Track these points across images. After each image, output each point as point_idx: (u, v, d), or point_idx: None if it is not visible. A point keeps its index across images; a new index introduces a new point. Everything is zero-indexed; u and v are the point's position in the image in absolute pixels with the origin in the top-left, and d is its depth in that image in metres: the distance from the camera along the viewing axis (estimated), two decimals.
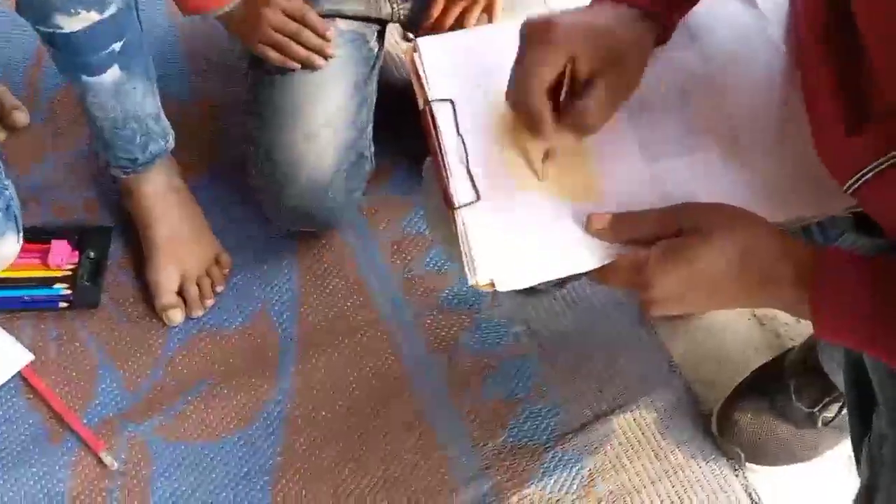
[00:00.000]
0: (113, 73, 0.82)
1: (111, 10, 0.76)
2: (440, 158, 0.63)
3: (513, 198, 0.61)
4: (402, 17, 1.01)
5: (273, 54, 0.92)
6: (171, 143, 0.97)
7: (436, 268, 1.07)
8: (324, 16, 0.95)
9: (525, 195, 0.62)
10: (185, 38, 1.26)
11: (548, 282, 0.63)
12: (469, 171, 0.62)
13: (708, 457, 0.95)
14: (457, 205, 0.61)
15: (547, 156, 0.61)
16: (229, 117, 1.17)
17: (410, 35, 1.12)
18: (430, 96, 0.64)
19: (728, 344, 1.03)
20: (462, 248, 0.60)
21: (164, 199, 0.99)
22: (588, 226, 0.59)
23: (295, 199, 0.95)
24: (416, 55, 0.65)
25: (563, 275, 0.59)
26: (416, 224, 1.10)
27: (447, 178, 0.62)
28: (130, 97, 0.86)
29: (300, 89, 0.94)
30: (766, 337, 1.03)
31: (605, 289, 1.03)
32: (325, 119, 0.95)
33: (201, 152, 1.13)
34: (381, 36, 1.03)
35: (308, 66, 0.93)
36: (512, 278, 0.58)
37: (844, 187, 0.57)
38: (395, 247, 1.09)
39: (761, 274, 0.55)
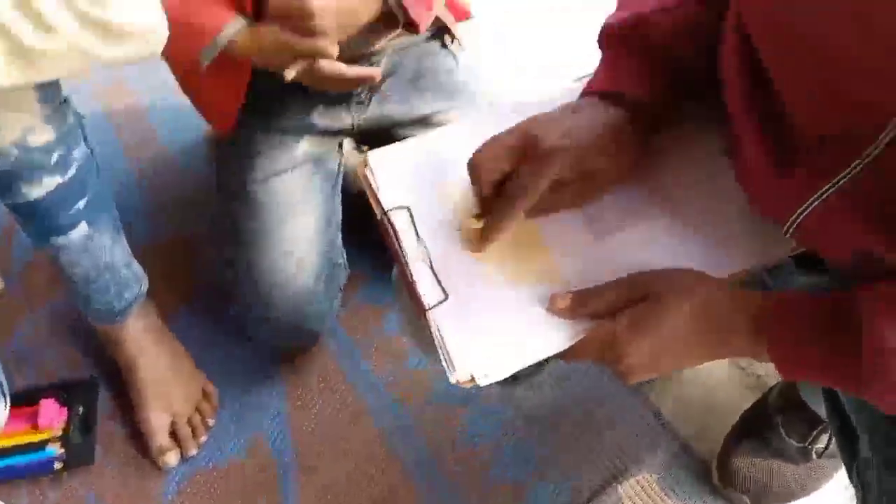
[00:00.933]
0: (80, 230, 0.85)
1: (72, 170, 0.80)
2: (404, 264, 0.66)
3: (480, 292, 0.64)
4: (361, 126, 1.05)
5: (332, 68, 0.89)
6: (146, 286, 1.00)
7: (422, 366, 1.09)
8: (294, 133, 1.00)
9: (491, 287, 0.65)
10: (143, 176, 1.31)
11: (525, 368, 0.66)
12: (434, 272, 0.65)
13: None
14: (427, 307, 0.64)
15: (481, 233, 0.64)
16: (197, 249, 1.20)
17: (364, 147, 1.18)
18: (386, 206, 0.68)
19: (713, 391, 1.05)
20: (438, 348, 0.62)
21: (145, 343, 1.01)
22: (551, 306, 0.62)
23: (279, 314, 0.98)
24: (367, 169, 0.69)
25: (538, 359, 0.62)
26: (395, 326, 1.13)
27: (414, 282, 0.65)
28: (100, 250, 0.89)
29: (273, 210, 0.99)
30: (748, 380, 1.06)
31: (582, 365, 1.06)
32: (300, 235, 0.99)
33: (175, 288, 1.16)
34: (340, 147, 1.08)
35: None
36: (491, 371, 0.61)
37: (784, 229, 0.61)
38: (379, 351, 1.11)
39: (719, 328, 0.59)
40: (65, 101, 0.79)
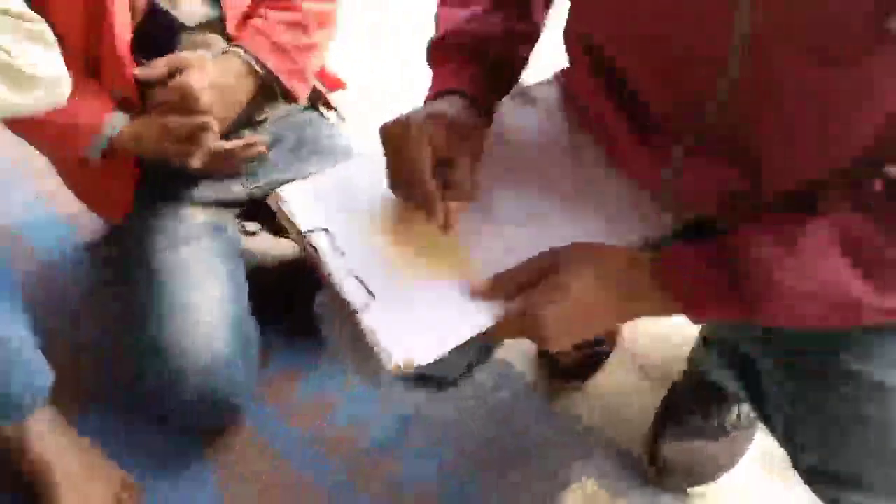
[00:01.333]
0: None
1: None
2: (329, 277, 0.69)
3: (403, 290, 0.69)
4: (254, 194, 1.08)
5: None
6: (52, 379, 0.94)
7: (348, 420, 1.08)
8: (187, 206, 1.02)
9: (413, 286, 0.69)
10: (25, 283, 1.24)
11: (458, 371, 0.70)
12: (359, 279, 0.69)
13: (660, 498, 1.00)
14: (356, 308, 0.67)
15: (446, 225, 0.70)
16: (95, 350, 1.16)
17: (249, 227, 1.20)
18: (303, 229, 0.71)
19: (628, 395, 1.11)
20: (373, 346, 0.65)
21: (52, 441, 0.94)
22: (472, 291, 0.68)
23: (196, 390, 0.95)
24: (280, 203, 0.73)
25: (466, 338, 0.66)
26: (310, 388, 1.12)
27: (341, 290, 0.68)
28: (4, 342, 0.84)
29: (178, 280, 0.98)
30: (654, 376, 1.13)
31: (509, 383, 1.10)
32: (208, 303, 0.98)
33: (75, 389, 1.09)
34: (237, 217, 1.10)
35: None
36: (425, 352, 0.64)
37: (660, 192, 0.70)
38: (303, 415, 1.09)
39: (620, 284, 0.65)
40: None
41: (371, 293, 0.68)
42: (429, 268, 0.70)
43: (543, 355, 1.11)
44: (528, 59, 0.80)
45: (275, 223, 1.14)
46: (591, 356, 1.10)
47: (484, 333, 0.67)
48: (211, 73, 0.93)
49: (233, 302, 1.01)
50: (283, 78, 1.00)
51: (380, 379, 0.81)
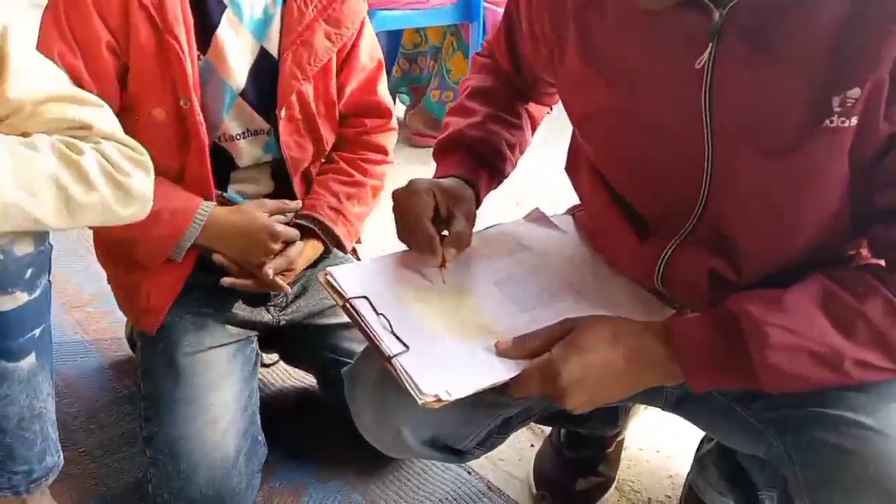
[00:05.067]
0: (29, 360, 0.84)
1: (38, 292, 0.83)
2: (368, 332, 0.78)
3: (435, 343, 0.77)
4: (282, 323, 1.15)
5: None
6: (62, 461, 0.95)
7: None
8: (218, 320, 1.10)
9: (443, 340, 0.78)
10: None
11: (472, 445, 0.75)
12: (394, 333, 0.77)
13: None
14: (391, 355, 0.74)
15: (443, 264, 0.83)
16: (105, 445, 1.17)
17: (266, 358, 1.26)
18: (347, 296, 0.81)
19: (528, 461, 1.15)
20: (405, 383, 0.72)
21: None
22: (496, 348, 0.76)
23: (202, 488, 0.96)
24: (329, 277, 0.84)
25: (494, 381, 0.73)
26: (316, 501, 1.12)
27: (379, 343, 0.76)
28: (39, 392, 0.87)
29: (200, 379, 1.03)
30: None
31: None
32: (223, 406, 1.02)
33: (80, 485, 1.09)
34: (255, 340, 1.16)
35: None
36: (452, 389, 0.71)
37: (656, 281, 0.81)
38: None
39: (634, 351, 0.73)
40: None
41: (406, 345, 0.75)
42: (458, 330, 0.79)
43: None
44: (514, 161, 0.96)
45: (292, 354, 1.23)
46: (595, 486, 1.13)
47: (507, 384, 0.73)
48: (308, 253, 1.10)
49: (245, 409, 1.06)
50: (346, 244, 1.14)
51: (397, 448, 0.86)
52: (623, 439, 1.17)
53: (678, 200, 0.77)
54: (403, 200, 0.85)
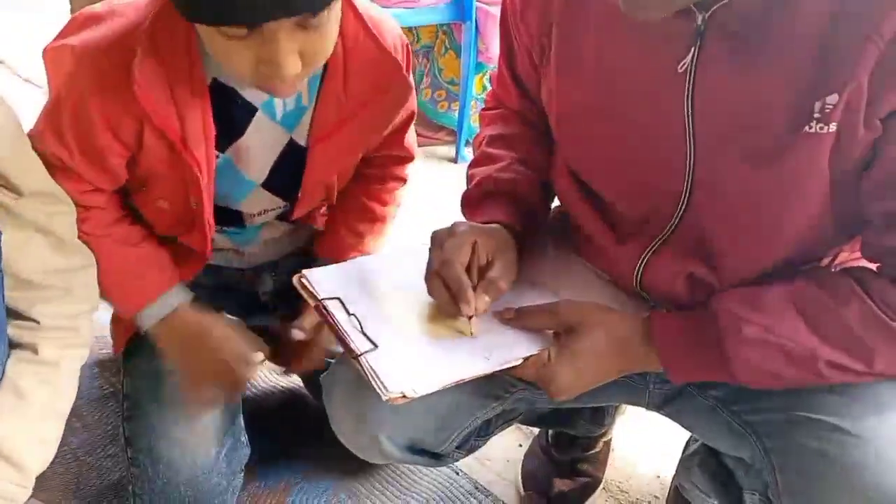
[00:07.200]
0: None
1: None
2: (339, 332, 0.77)
3: (406, 342, 0.76)
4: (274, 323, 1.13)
5: None
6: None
7: None
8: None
9: (416, 337, 0.77)
10: None
11: (451, 448, 0.74)
12: (364, 332, 0.76)
13: None
14: (359, 352, 0.74)
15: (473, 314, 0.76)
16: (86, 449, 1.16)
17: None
18: (320, 297, 0.80)
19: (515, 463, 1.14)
20: (371, 380, 0.72)
21: None
22: (499, 316, 0.78)
23: (182, 489, 0.96)
24: (303, 279, 0.83)
25: (455, 379, 0.73)
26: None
27: (348, 339, 0.75)
28: None
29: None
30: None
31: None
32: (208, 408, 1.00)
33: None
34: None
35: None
36: (418, 386, 0.71)
37: (634, 282, 0.79)
38: None
39: (622, 345, 0.75)
40: None
41: (375, 344, 0.75)
42: (431, 331, 0.78)
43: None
44: (549, 204, 0.92)
45: (277, 354, 1.22)
46: (582, 487, 1.11)
47: (489, 375, 0.74)
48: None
49: (227, 407, 1.04)
50: None
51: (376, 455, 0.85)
52: (610, 439, 1.17)
53: (658, 203, 0.76)
54: (440, 240, 0.78)
